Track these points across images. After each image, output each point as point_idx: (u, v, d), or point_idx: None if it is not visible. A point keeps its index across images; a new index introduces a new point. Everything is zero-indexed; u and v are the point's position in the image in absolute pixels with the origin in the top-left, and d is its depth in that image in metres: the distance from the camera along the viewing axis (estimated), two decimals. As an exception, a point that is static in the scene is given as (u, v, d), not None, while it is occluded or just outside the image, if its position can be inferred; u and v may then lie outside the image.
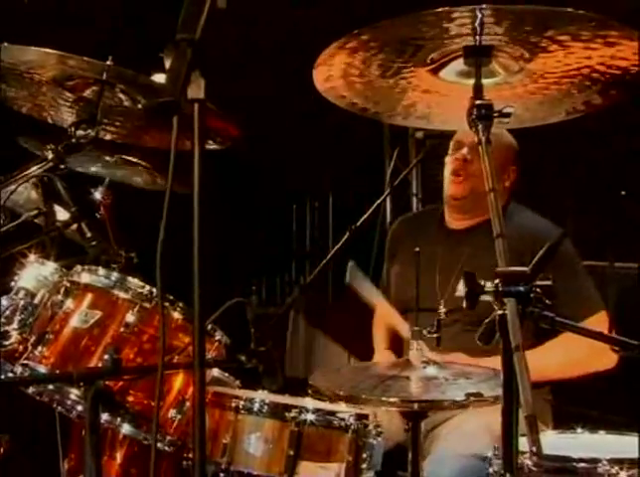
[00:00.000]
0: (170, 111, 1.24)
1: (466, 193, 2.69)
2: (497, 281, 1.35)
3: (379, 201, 3.22)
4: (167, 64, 1.27)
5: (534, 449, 1.18)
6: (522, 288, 1.33)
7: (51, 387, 2.04)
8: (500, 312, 1.36)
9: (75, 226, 2.25)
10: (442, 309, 2.29)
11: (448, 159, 2.75)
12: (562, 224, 2.73)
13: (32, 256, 2.35)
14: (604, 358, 2.43)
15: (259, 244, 5.13)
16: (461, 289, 2.52)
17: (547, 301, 1.35)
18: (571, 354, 2.47)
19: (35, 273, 2.28)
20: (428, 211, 3.01)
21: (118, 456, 2.73)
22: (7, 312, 2.21)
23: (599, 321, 2.49)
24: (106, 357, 1.68)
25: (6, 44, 1.91)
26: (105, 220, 2.52)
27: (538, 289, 1.34)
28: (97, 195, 2.57)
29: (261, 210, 5.06)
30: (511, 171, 2.73)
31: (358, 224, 3.17)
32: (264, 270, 5.46)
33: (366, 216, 3.25)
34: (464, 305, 1.38)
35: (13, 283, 2.31)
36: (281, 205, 5.43)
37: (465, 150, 2.69)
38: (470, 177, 2.67)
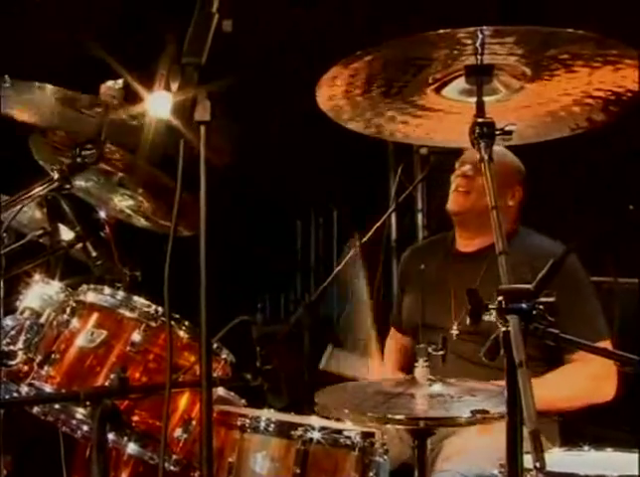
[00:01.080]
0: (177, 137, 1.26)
1: (465, 208, 2.71)
2: (500, 298, 1.35)
3: (384, 217, 3.24)
4: (173, 87, 1.29)
5: (537, 464, 1.18)
6: (524, 305, 1.34)
7: (57, 406, 2.05)
8: (503, 329, 1.36)
9: (79, 245, 2.26)
10: (455, 330, 2.31)
11: (452, 177, 2.77)
12: (566, 240, 2.74)
13: (37, 276, 2.37)
14: (605, 389, 2.47)
15: (263, 261, 5.13)
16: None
17: (550, 318, 1.35)
18: (574, 386, 2.49)
19: (40, 293, 2.29)
20: (438, 238, 3.01)
21: (123, 476, 2.74)
22: (12, 332, 2.22)
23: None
24: (113, 376, 1.69)
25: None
26: (110, 239, 2.54)
27: (541, 306, 1.34)
28: (102, 214, 2.59)
29: (265, 226, 5.07)
30: (516, 191, 2.73)
31: (363, 241, 3.19)
32: (269, 287, 5.46)
33: (371, 232, 3.27)
34: (468, 322, 1.38)
35: (18, 303, 2.32)
36: (285, 221, 5.43)
37: (467, 167, 2.71)
38: (472, 193, 2.69)
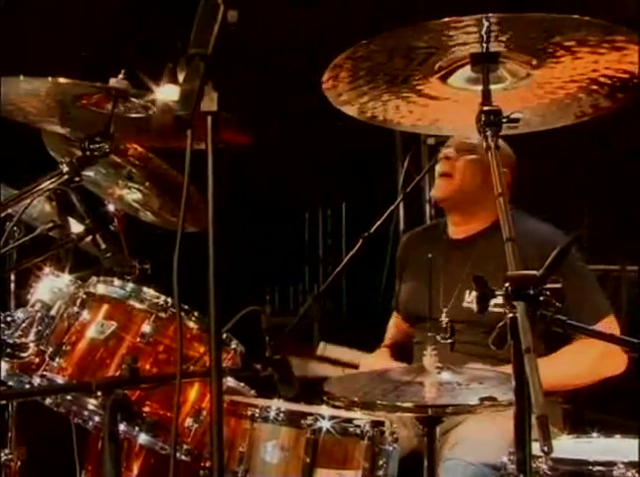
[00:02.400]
0: (183, 126, 1.26)
1: (449, 192, 2.69)
2: (507, 285, 1.36)
3: (391, 208, 3.25)
4: (180, 77, 1.30)
5: (545, 449, 1.19)
6: (532, 291, 1.34)
7: (68, 397, 2.06)
8: (510, 315, 1.37)
9: (89, 238, 2.27)
10: (444, 318, 2.31)
11: (437, 163, 2.76)
12: (572, 228, 2.74)
13: (47, 269, 2.38)
14: (615, 362, 2.44)
15: (272, 253, 5.15)
16: (469, 298, 2.56)
17: (557, 304, 1.35)
18: (582, 361, 2.47)
19: (50, 286, 2.31)
20: (434, 224, 3.03)
21: (135, 467, 2.76)
22: (24, 324, 2.23)
23: (608, 325, 2.48)
24: (124, 366, 1.70)
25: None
26: (119, 231, 2.55)
27: (547, 292, 1.35)
28: (111, 207, 2.61)
29: (274, 218, 5.08)
30: (504, 177, 2.70)
31: (371, 231, 3.20)
32: (277, 279, 5.47)
33: (378, 223, 3.28)
34: (475, 310, 1.39)
35: (29, 296, 2.34)
36: (294, 213, 5.44)
37: (449, 150, 2.69)
38: (455, 175, 2.67)
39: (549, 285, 1.35)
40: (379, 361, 2.79)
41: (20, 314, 2.27)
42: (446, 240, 2.76)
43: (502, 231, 1.46)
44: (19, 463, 2.47)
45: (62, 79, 1.89)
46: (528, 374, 1.25)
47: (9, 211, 2.11)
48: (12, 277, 2.66)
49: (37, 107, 2.12)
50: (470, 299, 2.55)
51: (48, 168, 2.70)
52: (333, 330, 4.10)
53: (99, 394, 1.98)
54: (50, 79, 1.89)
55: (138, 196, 2.82)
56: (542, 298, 1.34)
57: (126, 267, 2.34)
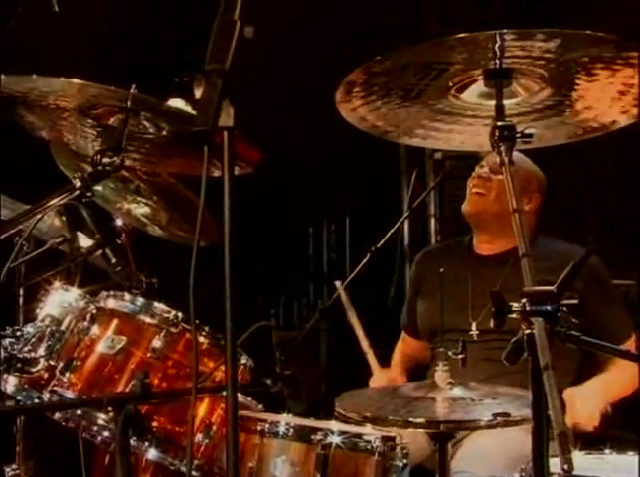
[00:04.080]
0: (202, 140, 1.26)
1: (480, 209, 2.72)
2: (524, 301, 1.36)
3: (398, 223, 3.25)
4: (197, 93, 1.30)
5: (566, 467, 1.18)
6: (549, 307, 1.34)
7: (78, 412, 2.05)
8: (527, 331, 1.36)
9: (99, 252, 2.27)
10: (475, 331, 2.31)
11: (469, 180, 2.77)
12: (586, 242, 2.75)
13: (56, 283, 2.38)
14: (637, 381, 2.48)
15: (276, 268, 5.13)
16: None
17: (573, 320, 1.35)
18: (625, 379, 2.52)
19: (60, 300, 2.29)
20: (454, 242, 3.00)
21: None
22: (33, 339, 2.22)
23: (632, 345, 2.55)
24: (135, 381, 1.70)
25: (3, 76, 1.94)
26: (126, 246, 2.55)
27: (565, 308, 1.34)
28: (119, 221, 2.61)
29: (277, 233, 5.07)
30: (533, 196, 2.73)
31: (378, 246, 3.20)
32: (282, 294, 5.46)
33: (385, 238, 3.28)
34: (491, 325, 1.39)
35: (38, 310, 2.34)
36: (297, 228, 5.43)
37: (484, 169, 2.72)
38: (488, 194, 2.70)
39: (565, 301, 1.35)
40: (392, 376, 2.80)
41: (29, 329, 2.26)
42: (474, 257, 2.77)
43: (518, 247, 1.46)
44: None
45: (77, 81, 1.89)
46: (547, 390, 1.24)
47: (20, 226, 2.10)
48: (20, 292, 2.66)
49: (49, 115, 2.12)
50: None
51: (52, 180, 2.72)
52: (340, 344, 4.09)
53: (110, 409, 1.99)
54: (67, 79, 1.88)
55: (146, 210, 2.82)
56: (559, 314, 1.33)
57: (135, 282, 2.34)
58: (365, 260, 3.15)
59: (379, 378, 2.80)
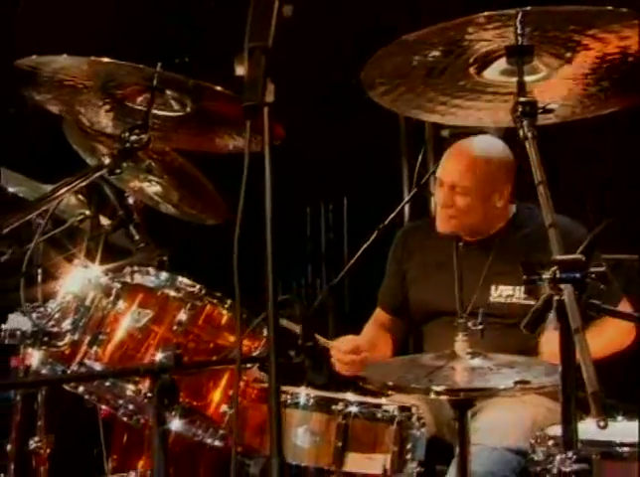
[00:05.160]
0: (251, 115, 1.31)
1: (453, 229, 2.66)
2: (554, 269, 1.41)
3: (406, 199, 3.30)
4: (238, 70, 1.34)
5: (601, 424, 1.24)
6: (578, 275, 1.40)
7: (107, 384, 2.10)
8: (557, 298, 1.42)
9: (121, 229, 2.31)
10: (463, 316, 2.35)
11: (435, 192, 2.76)
12: (586, 217, 2.80)
13: (77, 261, 2.42)
14: (629, 336, 2.58)
15: (274, 248, 5.15)
16: (496, 293, 2.61)
17: (601, 286, 1.41)
18: (608, 337, 2.54)
19: (81, 277, 2.33)
20: (433, 221, 2.95)
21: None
22: (57, 315, 2.27)
23: (625, 306, 2.59)
24: (169, 352, 1.74)
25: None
26: (139, 223, 2.59)
27: (593, 275, 1.40)
28: (130, 200, 2.65)
29: (275, 214, 5.08)
30: (504, 190, 2.68)
31: (385, 223, 3.25)
32: (280, 274, 5.49)
33: (393, 215, 3.33)
34: (524, 293, 1.45)
35: (58, 288, 2.37)
36: (295, 208, 5.46)
37: (444, 192, 2.67)
38: (456, 217, 2.66)
39: (593, 269, 1.41)
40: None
41: (52, 305, 2.31)
42: (459, 239, 2.75)
43: (544, 218, 1.51)
44: (48, 451, 2.50)
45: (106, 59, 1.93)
46: (579, 353, 1.31)
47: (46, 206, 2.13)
48: (39, 271, 2.69)
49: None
50: (497, 293, 2.60)
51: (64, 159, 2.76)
52: (347, 320, 4.15)
53: (138, 380, 2.05)
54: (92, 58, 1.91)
55: (158, 189, 2.86)
56: (587, 281, 1.39)
57: (155, 258, 2.39)
58: (372, 237, 3.19)
59: (346, 339, 2.67)
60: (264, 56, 1.31)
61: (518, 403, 2.47)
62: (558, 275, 1.40)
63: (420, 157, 3.74)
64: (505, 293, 2.59)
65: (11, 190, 2.63)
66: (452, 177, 2.67)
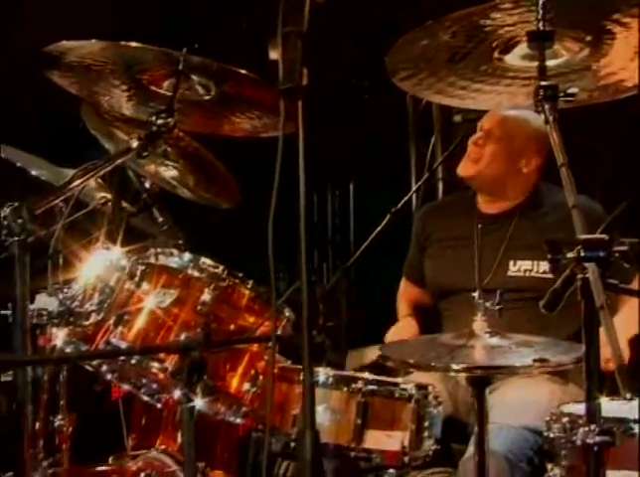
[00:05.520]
0: (290, 97, 1.35)
1: (471, 175, 2.79)
2: (578, 248, 1.46)
3: (419, 183, 3.33)
4: (271, 54, 1.38)
5: (628, 396, 1.29)
6: (602, 253, 1.44)
7: (133, 361, 2.15)
8: (580, 276, 1.47)
9: (144, 212, 2.35)
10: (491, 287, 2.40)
11: (469, 141, 2.85)
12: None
13: (99, 243, 2.45)
14: None
15: (280, 234, 5.19)
16: (514, 268, 2.67)
17: (625, 265, 1.45)
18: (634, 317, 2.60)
19: (103, 259, 2.37)
20: (457, 197, 3.07)
21: (178, 436, 2.86)
22: (81, 296, 2.31)
23: (637, 285, 2.63)
24: (200, 329, 1.79)
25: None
26: (162, 206, 2.64)
27: (617, 254, 1.45)
28: (147, 184, 2.69)
29: (281, 200, 5.11)
30: (532, 158, 2.77)
31: (398, 207, 3.27)
32: (286, 259, 5.53)
33: (406, 199, 3.36)
34: (548, 271, 1.49)
35: (81, 270, 2.41)
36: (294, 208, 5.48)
37: (479, 135, 2.79)
38: (480, 161, 2.77)
39: (616, 248, 1.45)
40: (406, 330, 2.87)
41: (76, 287, 2.35)
42: (478, 215, 2.83)
43: (567, 198, 1.55)
44: (70, 429, 2.55)
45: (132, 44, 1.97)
46: (604, 328, 1.35)
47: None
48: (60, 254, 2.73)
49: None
50: (516, 268, 2.66)
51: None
52: (359, 302, 4.20)
53: (162, 356, 2.10)
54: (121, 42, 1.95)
55: (174, 173, 2.90)
56: (612, 259, 1.44)
57: (178, 239, 2.43)
58: (386, 221, 3.21)
59: (393, 332, 2.83)
60: (300, 40, 1.35)
61: (532, 384, 2.53)
62: (582, 254, 1.44)
63: (432, 144, 3.76)
64: (524, 268, 2.66)
65: (34, 173, 2.67)
66: (492, 123, 2.78)
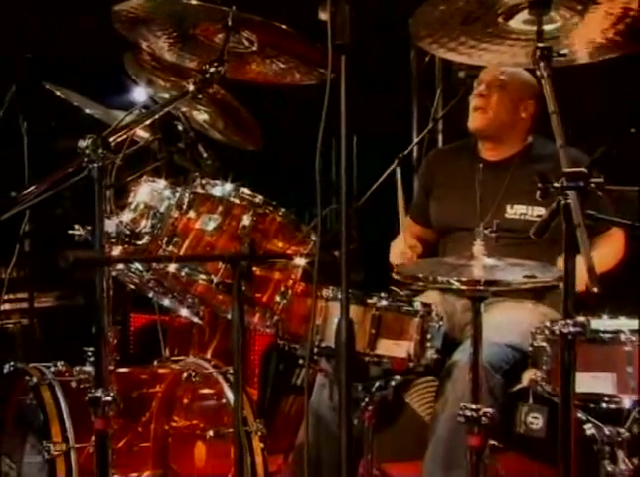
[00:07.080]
0: (341, 51, 1.70)
1: (484, 125, 3.11)
2: (563, 179, 1.82)
3: (424, 133, 3.64)
4: (321, 15, 1.72)
5: (595, 290, 1.66)
6: (582, 183, 1.81)
7: (182, 274, 2.47)
8: (564, 202, 1.83)
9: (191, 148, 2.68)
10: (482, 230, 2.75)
11: (471, 97, 3.18)
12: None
13: (144, 177, 2.75)
14: (621, 254, 3.03)
15: (285, 184, 5.45)
16: (511, 210, 3.02)
17: (599, 193, 1.82)
18: (609, 254, 3.01)
19: (150, 189, 2.64)
20: (462, 144, 3.38)
21: (209, 348, 3.24)
22: (130, 222, 2.61)
23: (619, 231, 3.01)
24: (246, 245, 2.13)
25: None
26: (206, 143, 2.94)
27: (593, 184, 1.81)
28: (180, 126, 3.01)
29: (286, 151, 5.37)
30: (528, 104, 3.11)
31: (405, 153, 3.58)
32: (295, 205, 5.76)
33: (412, 147, 3.69)
34: (538, 196, 1.85)
35: (130, 199, 2.72)
36: (307, 144, 5.71)
37: (482, 87, 3.12)
38: (488, 110, 3.10)
39: (593, 179, 1.82)
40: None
41: (126, 213, 2.66)
42: (480, 161, 3.16)
43: (556, 140, 1.91)
44: (115, 341, 2.88)
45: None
46: (580, 240, 1.72)
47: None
48: (110, 192, 3.01)
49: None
50: (513, 211, 3.02)
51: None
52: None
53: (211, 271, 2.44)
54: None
55: (205, 117, 3.22)
56: (589, 188, 1.80)
57: (219, 173, 2.76)
58: (393, 166, 3.50)
59: (400, 240, 3.08)
60: (348, 4, 1.69)
61: (516, 308, 2.93)
62: (565, 184, 1.81)
63: (439, 92, 4.06)
64: (519, 211, 3.02)
65: (88, 112, 2.98)
66: (491, 76, 3.11)
